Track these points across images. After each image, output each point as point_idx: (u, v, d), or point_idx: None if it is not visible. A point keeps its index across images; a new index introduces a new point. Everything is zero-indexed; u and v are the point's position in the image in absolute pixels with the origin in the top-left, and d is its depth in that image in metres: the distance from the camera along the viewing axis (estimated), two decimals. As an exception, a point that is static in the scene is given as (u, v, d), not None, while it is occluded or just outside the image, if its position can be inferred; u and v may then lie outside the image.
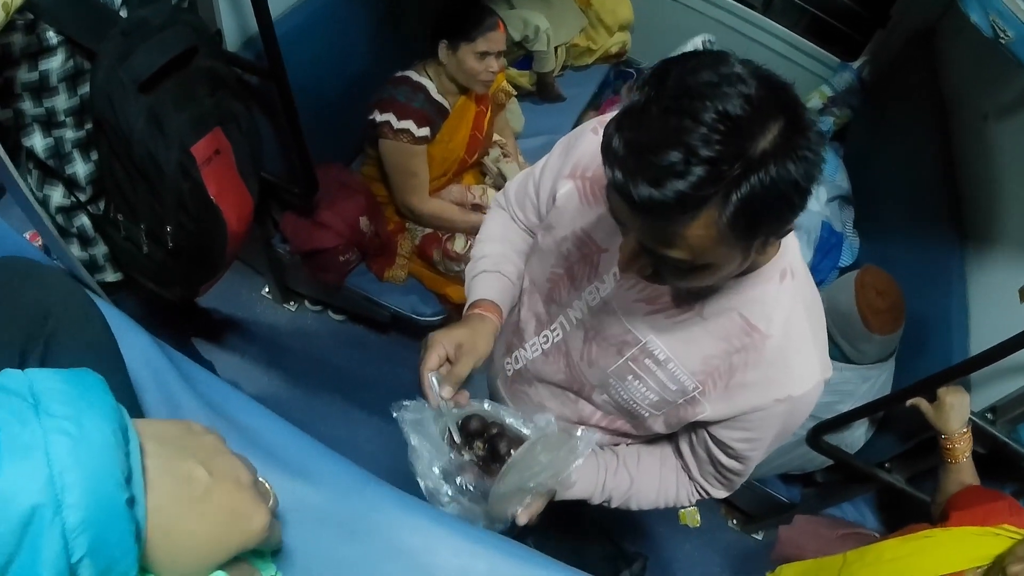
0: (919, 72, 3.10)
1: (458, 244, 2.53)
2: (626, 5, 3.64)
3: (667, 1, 3.70)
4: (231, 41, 1.93)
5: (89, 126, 1.44)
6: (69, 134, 1.43)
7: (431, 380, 1.15)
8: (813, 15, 3.64)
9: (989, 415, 1.90)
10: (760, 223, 0.83)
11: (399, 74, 2.38)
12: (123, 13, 1.41)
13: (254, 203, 1.81)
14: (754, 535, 2.88)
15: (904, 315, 2.11)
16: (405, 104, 2.29)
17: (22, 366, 0.74)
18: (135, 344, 1.06)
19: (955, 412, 1.80)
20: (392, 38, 2.66)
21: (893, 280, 2.15)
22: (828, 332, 2.07)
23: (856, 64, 3.55)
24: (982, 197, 2.37)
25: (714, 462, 1.25)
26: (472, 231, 2.54)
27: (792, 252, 1.08)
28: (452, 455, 1.15)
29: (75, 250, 1.60)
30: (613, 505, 1.37)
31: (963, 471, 1.77)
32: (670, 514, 2.85)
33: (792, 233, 1.01)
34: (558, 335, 1.32)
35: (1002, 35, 1.38)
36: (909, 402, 1.91)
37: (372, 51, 2.60)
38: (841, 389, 2.17)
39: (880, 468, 2.21)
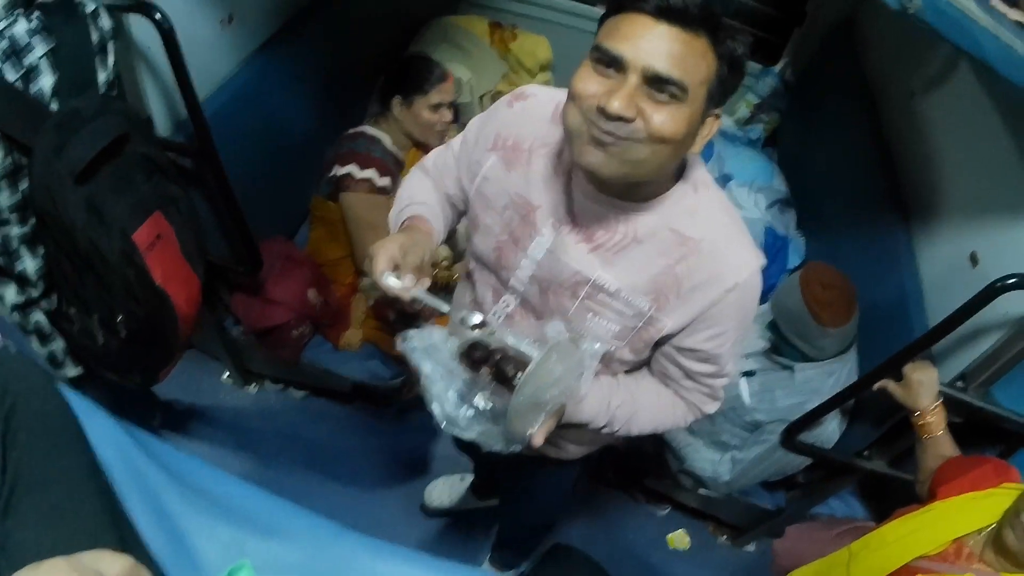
0: (842, 63, 3.25)
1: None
2: (544, 45, 3.77)
3: (584, 35, 3.82)
4: (162, 126, 2.01)
5: (33, 221, 1.52)
6: (15, 230, 1.51)
7: (389, 280, 1.18)
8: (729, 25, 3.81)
9: (960, 383, 1.94)
10: (726, 82, 1.10)
11: (353, 130, 2.52)
12: (54, 106, 1.51)
13: (201, 284, 1.89)
14: (746, 548, 2.93)
15: (855, 304, 2.17)
16: (366, 154, 2.43)
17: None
18: (99, 425, 1.08)
19: (924, 388, 1.84)
20: (321, 105, 2.77)
21: (837, 271, 2.23)
22: (784, 335, 2.20)
23: (778, 67, 3.73)
24: (919, 173, 2.48)
25: (689, 374, 1.38)
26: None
27: (700, 167, 1.28)
28: (467, 376, 1.19)
29: (35, 347, 1.65)
30: (615, 429, 1.43)
31: (941, 444, 1.80)
32: (659, 541, 2.90)
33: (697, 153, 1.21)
34: (516, 298, 1.42)
35: (909, 5, 1.42)
36: (876, 386, 1.96)
37: (303, 120, 2.70)
38: (807, 388, 2.23)
39: (860, 457, 2.26)
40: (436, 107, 2.50)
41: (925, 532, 1.57)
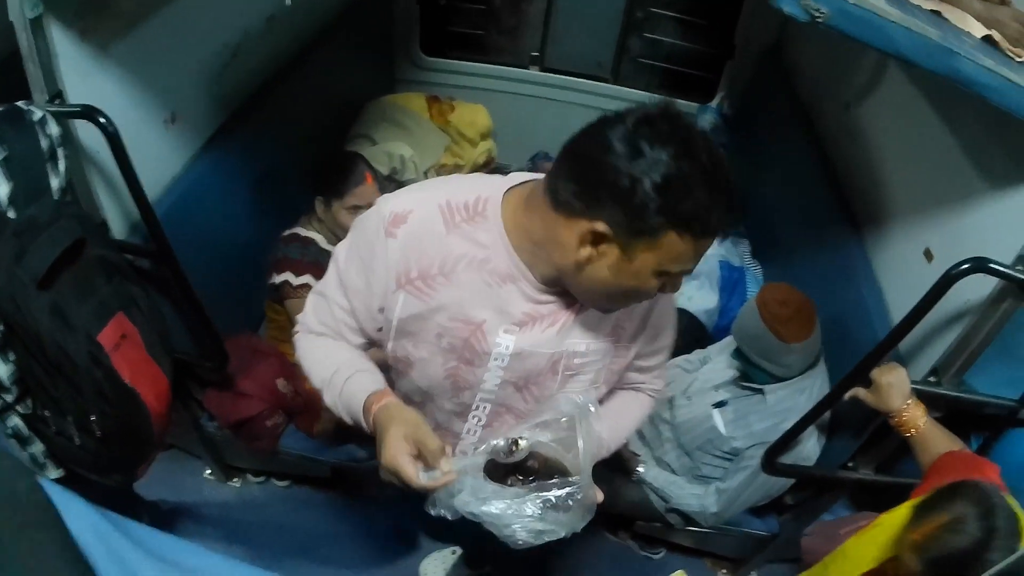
0: (776, 89, 3.40)
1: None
2: (483, 114, 3.92)
3: (521, 98, 4.02)
4: (117, 229, 2.06)
5: (1, 327, 1.56)
6: None
7: (426, 479, 1.22)
8: (662, 69, 3.98)
9: (932, 378, 1.99)
10: None
11: (287, 232, 2.57)
12: (11, 214, 1.56)
13: (169, 380, 1.93)
14: (750, 576, 2.95)
15: (815, 317, 2.22)
16: (299, 260, 2.48)
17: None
18: (77, 511, 1.08)
19: (894, 389, 1.87)
20: (270, 197, 2.83)
21: (792, 288, 2.28)
22: (749, 359, 2.25)
23: (714, 103, 3.89)
24: (864, 181, 2.58)
25: (645, 370, 1.56)
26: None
27: None
28: (521, 492, 1.27)
29: (15, 452, 1.67)
30: (612, 449, 1.58)
31: (928, 439, 1.82)
32: (658, 586, 2.91)
33: None
34: (487, 408, 1.46)
35: (818, 15, 1.45)
36: (847, 395, 2.00)
37: (254, 214, 2.77)
38: (780, 408, 2.28)
39: (845, 469, 2.30)
40: (353, 209, 2.47)
41: (869, 548, 1.61)
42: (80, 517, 1.08)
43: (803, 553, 2.28)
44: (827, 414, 2.24)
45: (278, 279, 2.48)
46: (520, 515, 1.24)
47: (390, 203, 1.29)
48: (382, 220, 1.28)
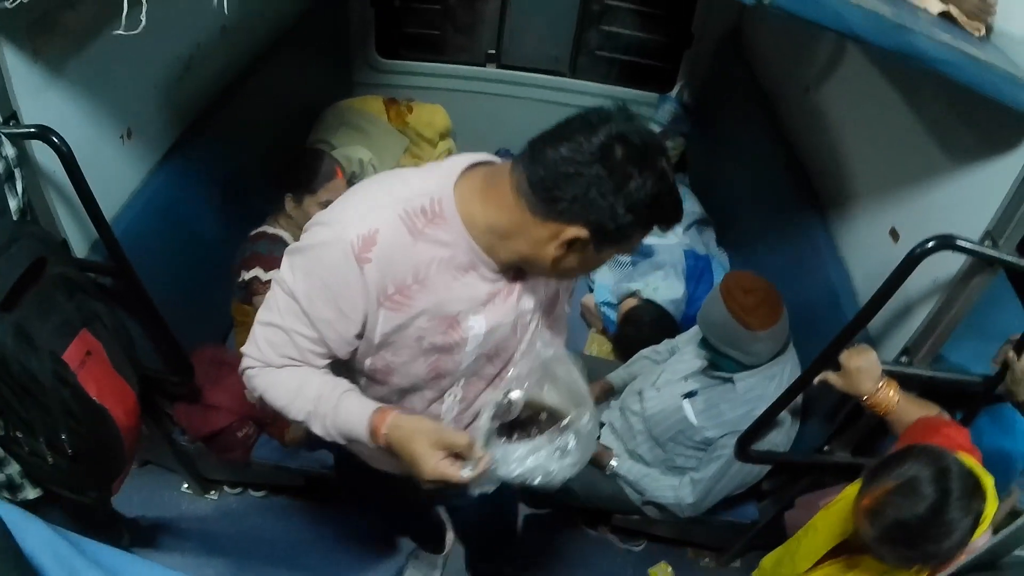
0: (735, 75, 3.44)
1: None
2: (440, 114, 3.94)
3: (479, 96, 4.04)
4: (78, 247, 2.05)
5: (-31, 351, 1.56)
6: None
7: (470, 472, 1.32)
8: (620, 61, 4.01)
9: (904, 359, 2.00)
10: None
11: (255, 231, 2.57)
12: None
13: (136, 395, 1.94)
14: (732, 565, 2.98)
15: (780, 304, 2.23)
16: (268, 256, 2.48)
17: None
18: (32, 532, 1.09)
19: (863, 373, 1.87)
20: (230, 206, 2.84)
21: (757, 275, 2.29)
22: (716, 348, 2.27)
23: (674, 92, 3.93)
24: (827, 164, 2.61)
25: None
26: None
27: None
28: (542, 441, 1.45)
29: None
30: None
31: (904, 414, 1.83)
32: (642, 581, 2.95)
33: None
34: (461, 382, 1.53)
35: None
36: (816, 380, 2.01)
37: (214, 225, 2.78)
38: (751, 396, 2.29)
39: (820, 453, 2.31)
40: (325, 204, 2.45)
41: (835, 522, 1.65)
42: (36, 538, 1.09)
43: (787, 528, 2.28)
44: (800, 399, 2.26)
45: (247, 276, 2.47)
46: (550, 459, 1.43)
47: (350, 228, 1.27)
48: (349, 249, 1.26)
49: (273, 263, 2.45)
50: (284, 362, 1.41)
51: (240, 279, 2.50)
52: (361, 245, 1.26)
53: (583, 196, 1.20)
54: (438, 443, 1.31)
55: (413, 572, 2.82)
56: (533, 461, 1.41)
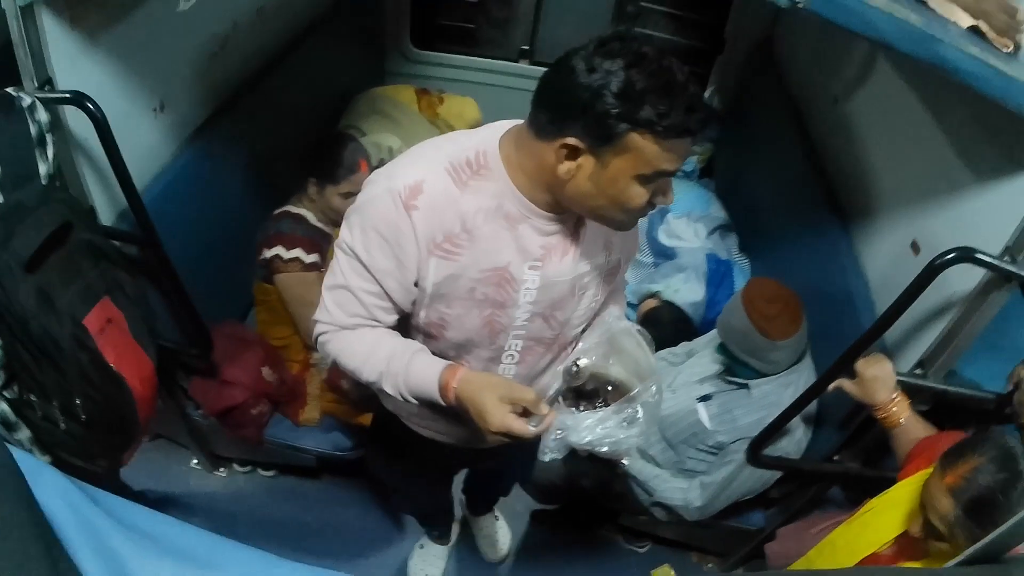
0: (765, 83, 3.44)
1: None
2: (471, 106, 3.94)
3: (510, 91, 4.04)
4: (105, 216, 2.07)
5: (-12, 313, 1.59)
6: None
7: (535, 428, 1.35)
8: (653, 66, 4.01)
9: (919, 371, 1.98)
10: None
11: (278, 211, 2.59)
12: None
13: (154, 365, 1.97)
14: (735, 572, 2.96)
15: (801, 313, 2.22)
16: (290, 234, 2.50)
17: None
18: (46, 478, 1.11)
19: (878, 382, 1.87)
20: (258, 186, 2.87)
21: (779, 284, 2.29)
22: (734, 355, 2.27)
23: (705, 97, 3.93)
24: (852, 174, 2.60)
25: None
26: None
27: None
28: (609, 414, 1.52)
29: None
30: None
31: (910, 430, 1.84)
32: (643, 580, 2.94)
33: None
34: (519, 345, 1.56)
35: (799, 0, 1.49)
36: (831, 386, 2.01)
37: (242, 203, 2.80)
38: (765, 402, 2.28)
39: (830, 462, 2.31)
40: (347, 195, 2.49)
41: (864, 533, 1.65)
42: (50, 486, 1.11)
43: (769, 561, 2.30)
44: (814, 407, 2.26)
45: (268, 254, 2.49)
46: (618, 428, 1.50)
47: (396, 178, 1.34)
48: (397, 197, 1.32)
49: (295, 241, 2.49)
50: (355, 322, 1.47)
51: (262, 257, 2.52)
52: (407, 194, 1.32)
53: (563, 99, 1.24)
54: (506, 396, 1.35)
55: (418, 562, 2.84)
56: (602, 430, 1.49)
